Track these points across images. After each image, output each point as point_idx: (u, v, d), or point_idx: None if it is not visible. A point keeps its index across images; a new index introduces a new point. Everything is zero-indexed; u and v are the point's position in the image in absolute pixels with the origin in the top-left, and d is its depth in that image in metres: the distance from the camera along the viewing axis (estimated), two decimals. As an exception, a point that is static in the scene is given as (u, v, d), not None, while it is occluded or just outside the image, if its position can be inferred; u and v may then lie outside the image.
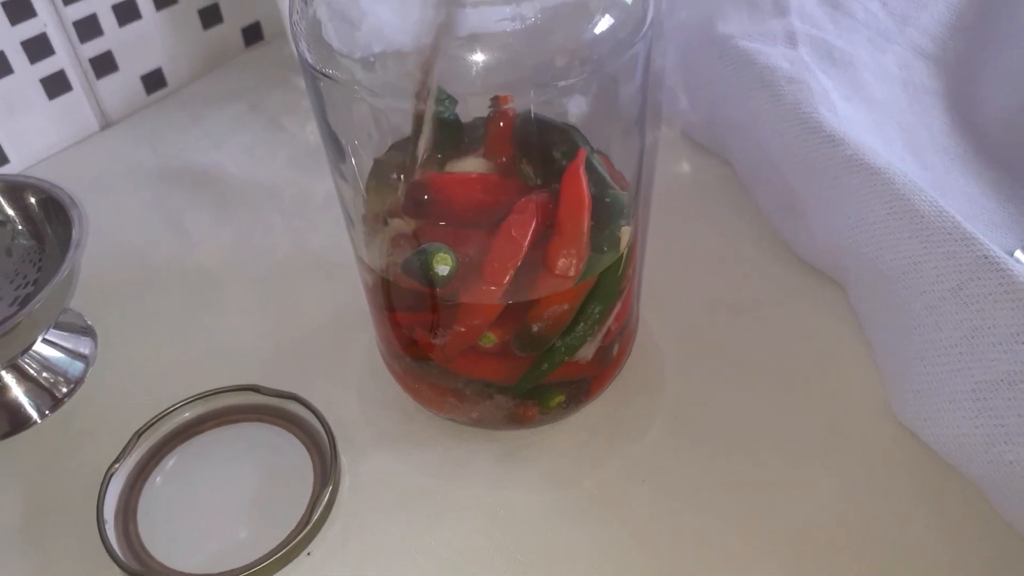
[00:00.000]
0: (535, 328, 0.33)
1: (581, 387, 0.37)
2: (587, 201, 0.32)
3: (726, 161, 0.50)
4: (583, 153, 0.32)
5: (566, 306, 0.33)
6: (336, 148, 0.33)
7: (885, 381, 0.39)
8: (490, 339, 0.33)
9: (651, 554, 0.34)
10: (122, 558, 0.34)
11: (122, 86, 0.58)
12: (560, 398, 0.37)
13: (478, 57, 0.29)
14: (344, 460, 0.38)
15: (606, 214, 0.33)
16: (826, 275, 0.44)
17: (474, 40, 0.28)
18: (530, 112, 0.32)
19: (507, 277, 0.32)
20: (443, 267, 0.31)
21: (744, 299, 0.44)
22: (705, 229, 0.47)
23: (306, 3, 0.30)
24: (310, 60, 0.30)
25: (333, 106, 0.31)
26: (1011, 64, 0.49)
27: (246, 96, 0.59)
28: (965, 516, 0.34)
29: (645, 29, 0.29)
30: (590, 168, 0.32)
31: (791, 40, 0.46)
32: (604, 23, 0.28)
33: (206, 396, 0.39)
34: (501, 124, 0.33)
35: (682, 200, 0.49)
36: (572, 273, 0.32)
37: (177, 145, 0.56)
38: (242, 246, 0.49)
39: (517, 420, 0.37)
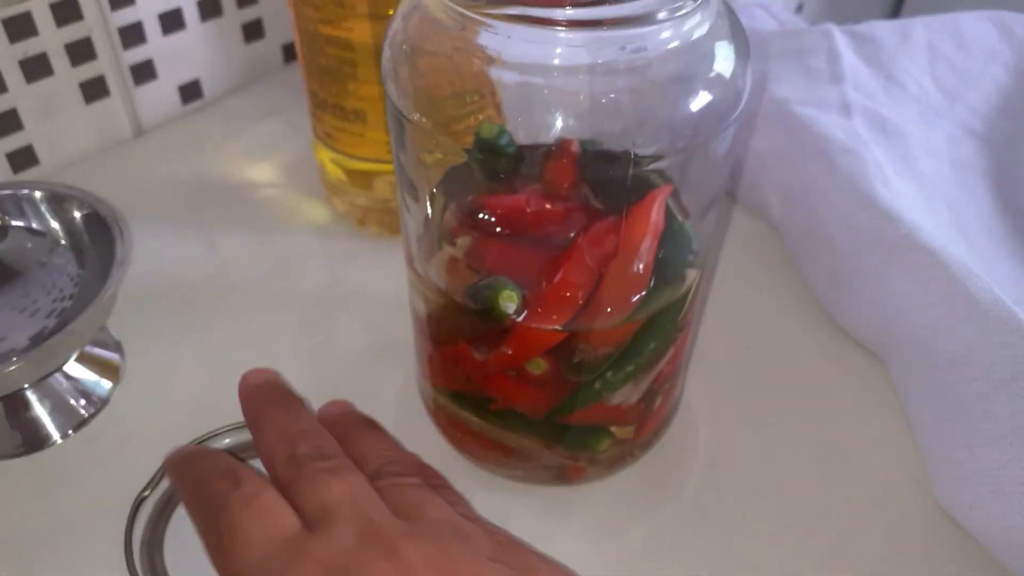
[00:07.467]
0: (586, 355, 0.32)
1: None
2: (658, 228, 0.30)
3: (771, 224, 0.50)
4: (671, 187, 0.31)
5: (618, 341, 0.32)
6: (408, 184, 0.32)
7: (927, 464, 0.38)
8: (539, 365, 0.32)
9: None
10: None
11: (159, 95, 0.57)
12: (610, 439, 0.35)
13: (568, 122, 0.28)
14: (379, 505, 0.37)
15: (674, 247, 0.31)
16: (868, 348, 0.44)
17: (569, 105, 0.28)
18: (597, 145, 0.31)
19: (578, 306, 0.30)
20: (509, 304, 0.30)
21: (785, 368, 0.43)
22: (748, 293, 0.47)
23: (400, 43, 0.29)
24: (397, 105, 0.29)
25: (410, 148, 0.31)
26: (1053, 149, 0.50)
27: (283, 114, 0.59)
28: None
29: (741, 107, 0.29)
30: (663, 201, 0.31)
31: (846, 110, 0.46)
32: (703, 99, 0.28)
33: (240, 427, 0.38)
34: (564, 158, 0.31)
35: (725, 263, 0.49)
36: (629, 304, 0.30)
37: (211, 158, 0.55)
38: (277, 270, 0.48)
39: (562, 479, 0.37)
